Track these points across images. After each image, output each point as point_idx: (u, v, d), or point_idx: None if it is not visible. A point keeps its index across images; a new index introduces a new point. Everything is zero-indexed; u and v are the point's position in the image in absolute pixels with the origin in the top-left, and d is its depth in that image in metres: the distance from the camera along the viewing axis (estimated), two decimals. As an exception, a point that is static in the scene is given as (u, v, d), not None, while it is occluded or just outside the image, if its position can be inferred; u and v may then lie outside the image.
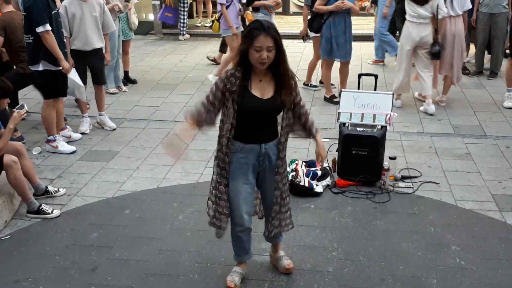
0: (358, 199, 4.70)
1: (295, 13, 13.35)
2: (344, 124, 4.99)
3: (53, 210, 4.50)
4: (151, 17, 11.89)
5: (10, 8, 5.87)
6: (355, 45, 8.11)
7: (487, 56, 8.48)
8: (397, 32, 8.40)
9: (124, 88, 7.90)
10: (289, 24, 12.40)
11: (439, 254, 3.90)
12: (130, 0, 7.70)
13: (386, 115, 4.87)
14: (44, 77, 5.47)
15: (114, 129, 6.40)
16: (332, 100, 7.21)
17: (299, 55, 9.60)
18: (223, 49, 9.14)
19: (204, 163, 5.43)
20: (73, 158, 5.62)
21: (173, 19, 11.07)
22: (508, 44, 8.16)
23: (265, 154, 3.28)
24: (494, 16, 7.84)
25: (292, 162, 5.06)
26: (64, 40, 5.65)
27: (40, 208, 4.46)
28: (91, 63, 6.23)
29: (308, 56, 9.45)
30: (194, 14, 12.76)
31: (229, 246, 3.64)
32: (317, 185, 4.80)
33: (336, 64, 7.29)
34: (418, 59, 6.82)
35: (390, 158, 4.95)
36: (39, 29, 5.18)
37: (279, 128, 3.29)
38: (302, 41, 7.98)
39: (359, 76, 5.68)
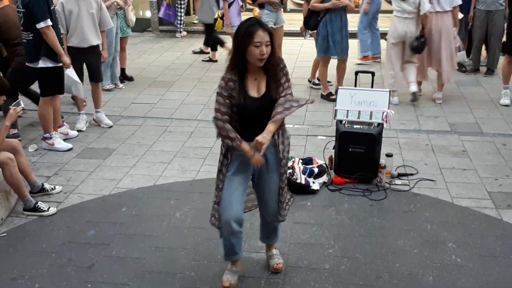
0: (354, 196, 4.70)
1: (292, 10, 13.34)
2: (341, 121, 4.99)
3: (49, 207, 4.49)
4: (148, 14, 11.86)
5: (3, 3, 5.82)
6: (352, 42, 8.11)
7: (483, 53, 8.50)
8: None
9: (120, 85, 7.88)
10: (286, 21, 12.33)
11: (435, 251, 3.90)
12: None
13: (383, 113, 4.87)
14: (42, 74, 5.45)
15: (111, 127, 6.39)
16: (329, 97, 7.21)
17: (296, 52, 9.59)
18: (214, 47, 9.23)
19: (201, 160, 5.43)
20: (70, 155, 5.61)
21: (173, 16, 11.10)
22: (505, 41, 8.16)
23: (265, 151, 3.25)
24: (491, 14, 7.84)
25: (289, 159, 5.05)
26: (61, 36, 5.64)
27: (37, 205, 4.45)
28: (87, 60, 6.22)
29: (305, 53, 9.50)
30: (191, 11, 12.73)
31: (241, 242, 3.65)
32: (313, 182, 4.80)
33: (333, 62, 7.29)
34: (405, 52, 6.93)
35: (387, 155, 4.96)
36: (40, 25, 5.16)
37: None
38: (298, 38, 7.99)
39: (356, 73, 5.68)
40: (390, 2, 7.60)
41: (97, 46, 6.21)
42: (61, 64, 5.46)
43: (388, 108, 4.90)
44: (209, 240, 3.97)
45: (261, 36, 3.03)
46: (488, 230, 4.18)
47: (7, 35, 5.76)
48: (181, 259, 3.84)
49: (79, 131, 6.20)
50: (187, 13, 12.30)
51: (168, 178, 5.09)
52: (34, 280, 3.65)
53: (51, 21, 5.27)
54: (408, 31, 6.73)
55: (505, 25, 7.74)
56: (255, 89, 3.17)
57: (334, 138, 5.08)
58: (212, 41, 9.27)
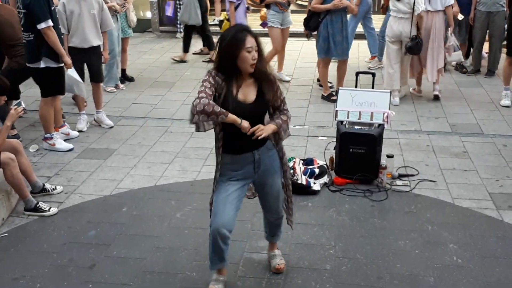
0: (355, 197, 4.70)
1: (293, 12, 13.32)
2: (341, 122, 4.99)
3: (50, 207, 4.50)
4: (148, 14, 11.86)
5: None
6: (352, 43, 8.13)
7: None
8: None
9: (121, 86, 7.88)
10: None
11: (436, 252, 3.90)
12: None
13: (384, 113, 4.87)
14: (44, 74, 5.45)
15: (112, 127, 6.39)
16: (329, 98, 7.21)
17: (297, 53, 9.59)
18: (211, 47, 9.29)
19: (201, 161, 5.43)
20: (70, 155, 5.61)
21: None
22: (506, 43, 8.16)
23: (259, 160, 3.25)
24: (492, 15, 7.85)
25: (289, 160, 5.05)
26: (62, 37, 5.64)
27: (37, 205, 4.46)
28: (88, 60, 6.22)
29: (305, 54, 9.51)
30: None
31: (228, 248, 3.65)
32: (314, 183, 4.81)
33: (333, 63, 7.31)
34: (398, 53, 7.01)
35: (388, 156, 4.96)
36: (41, 26, 5.16)
37: None
38: (298, 39, 7.97)
39: (357, 74, 5.68)
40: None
41: (98, 46, 6.21)
42: (62, 65, 5.46)
43: (389, 109, 4.91)
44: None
45: (251, 41, 3.02)
46: (489, 231, 4.18)
47: (1, 35, 5.70)
48: (182, 259, 3.84)
49: (80, 131, 6.20)
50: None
51: (169, 179, 5.09)
52: (35, 280, 3.65)
53: (52, 21, 5.27)
54: (403, 31, 6.81)
55: (506, 26, 7.76)
56: (242, 95, 3.12)
57: (334, 139, 5.08)
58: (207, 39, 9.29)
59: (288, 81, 8.00)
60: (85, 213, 4.50)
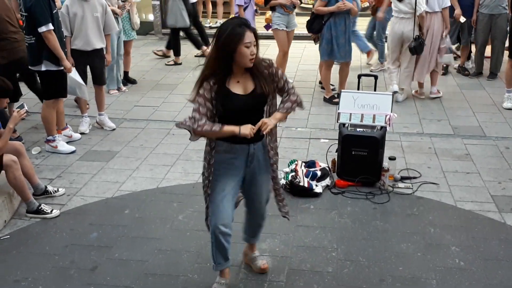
0: (357, 199, 4.70)
1: (296, 14, 13.31)
2: (343, 124, 4.99)
3: (52, 210, 4.50)
4: (150, 17, 11.88)
5: None
6: (355, 45, 8.13)
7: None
8: None
9: (124, 88, 7.89)
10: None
11: (438, 254, 3.90)
12: (127, 0, 7.67)
13: (386, 116, 4.87)
14: (45, 77, 5.48)
15: (114, 129, 6.40)
16: (331, 100, 7.21)
17: (299, 55, 9.59)
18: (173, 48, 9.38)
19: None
20: (73, 158, 5.62)
21: None
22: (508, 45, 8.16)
23: (253, 154, 3.25)
24: (494, 17, 7.84)
25: (291, 162, 5.06)
26: (64, 39, 5.65)
27: (40, 208, 4.46)
28: (91, 63, 6.22)
29: (307, 57, 9.51)
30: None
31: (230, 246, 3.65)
32: (316, 185, 4.80)
33: (335, 65, 7.32)
34: (402, 53, 7.11)
35: (390, 158, 4.95)
36: (42, 29, 5.18)
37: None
38: (301, 41, 7.94)
39: (359, 76, 5.68)
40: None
41: (101, 49, 6.21)
42: (63, 68, 5.46)
43: (391, 111, 4.90)
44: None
45: (250, 36, 2.99)
46: (491, 234, 4.17)
47: None
48: (184, 261, 3.84)
49: (82, 133, 6.21)
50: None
51: (171, 181, 5.09)
52: (37, 282, 3.65)
53: (55, 24, 5.29)
54: (404, 31, 6.92)
55: (508, 28, 7.75)
56: (240, 89, 3.11)
57: (336, 141, 5.08)
58: (175, 44, 9.35)
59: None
60: (87, 215, 4.51)
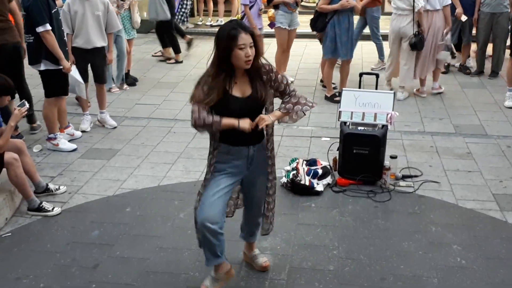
0: (359, 198, 4.69)
1: (299, 13, 13.30)
2: (345, 123, 4.98)
3: (53, 207, 4.50)
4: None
5: None
6: (357, 44, 8.12)
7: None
8: None
9: (125, 86, 7.89)
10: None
11: (440, 253, 3.89)
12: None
13: (387, 114, 4.87)
14: (45, 76, 5.49)
15: (115, 127, 6.40)
16: (333, 99, 7.21)
17: (300, 53, 9.58)
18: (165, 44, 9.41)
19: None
20: (74, 156, 5.62)
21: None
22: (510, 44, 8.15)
23: (253, 156, 3.25)
24: (496, 16, 7.83)
25: (293, 160, 5.06)
26: (65, 38, 5.64)
27: (41, 205, 4.46)
28: (92, 61, 6.22)
29: (308, 55, 9.51)
30: (195, 13, 12.74)
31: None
32: (318, 183, 4.80)
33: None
34: (401, 50, 7.20)
35: (391, 157, 4.95)
36: (39, 29, 5.18)
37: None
38: (302, 40, 7.92)
39: (360, 75, 5.67)
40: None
41: (102, 48, 6.19)
42: (62, 67, 5.46)
43: (393, 110, 4.90)
44: (213, 241, 3.96)
45: (245, 38, 2.97)
46: (493, 232, 4.17)
47: None
48: (185, 259, 3.84)
49: (83, 131, 6.21)
50: (192, 14, 12.31)
51: (172, 179, 5.09)
52: (39, 280, 3.65)
53: (54, 23, 5.28)
54: (401, 27, 7.02)
55: (510, 27, 7.75)
56: (238, 91, 3.11)
57: (338, 140, 5.08)
58: (162, 37, 9.34)
59: (291, 82, 7.99)
60: (88, 213, 4.51)
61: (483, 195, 4.73)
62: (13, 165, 4.30)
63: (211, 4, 12.16)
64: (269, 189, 3.45)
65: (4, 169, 4.34)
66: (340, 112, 5.02)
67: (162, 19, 9.05)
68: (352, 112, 4.96)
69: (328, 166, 5.05)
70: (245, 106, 3.11)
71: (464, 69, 8.45)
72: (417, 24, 6.88)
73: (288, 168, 4.95)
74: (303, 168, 4.87)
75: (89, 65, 6.26)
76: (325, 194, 4.76)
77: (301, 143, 5.85)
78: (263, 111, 3.22)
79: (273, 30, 7.81)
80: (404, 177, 5.02)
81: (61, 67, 5.43)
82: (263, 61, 3.15)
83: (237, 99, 3.10)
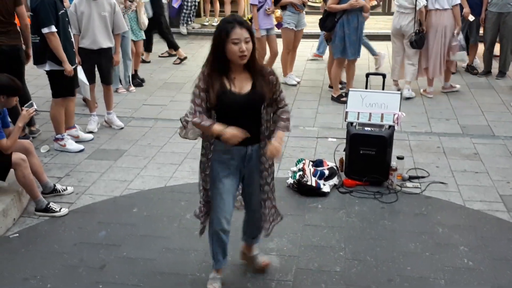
0: (365, 199, 4.68)
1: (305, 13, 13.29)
2: (351, 123, 4.98)
3: (61, 208, 4.52)
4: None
5: None
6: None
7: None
8: None
9: (131, 88, 7.90)
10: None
11: (447, 254, 3.88)
12: (133, 1, 7.65)
13: (394, 115, 4.86)
14: (50, 77, 5.53)
15: (122, 128, 6.42)
16: (339, 99, 7.20)
17: (306, 54, 9.56)
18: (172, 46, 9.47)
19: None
20: (81, 156, 5.64)
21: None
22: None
23: (251, 156, 3.23)
24: (503, 16, 7.80)
25: (299, 161, 5.06)
26: (72, 39, 5.66)
27: (48, 206, 4.48)
28: (98, 62, 6.23)
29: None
30: (202, 13, 12.76)
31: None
32: (324, 184, 4.79)
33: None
34: (405, 48, 7.29)
35: (398, 158, 4.94)
36: (44, 30, 5.21)
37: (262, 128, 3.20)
38: (308, 40, 7.89)
39: (367, 75, 5.67)
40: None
41: (109, 49, 6.20)
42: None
43: (400, 110, 4.88)
44: (219, 242, 3.96)
45: (239, 33, 2.95)
46: (500, 234, 4.15)
47: None
48: (192, 260, 3.85)
49: (90, 132, 6.22)
50: (198, 15, 12.33)
51: (179, 180, 5.10)
52: (46, 280, 3.67)
53: (60, 24, 5.30)
54: (402, 25, 7.13)
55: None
56: (236, 86, 3.10)
57: (344, 140, 5.07)
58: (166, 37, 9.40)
59: (295, 84, 7.98)
60: (95, 214, 4.52)
61: (490, 196, 4.71)
62: (21, 165, 4.33)
63: (218, 4, 12.16)
64: (263, 186, 3.35)
65: (12, 170, 4.37)
66: (346, 112, 5.02)
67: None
68: (358, 113, 4.95)
69: (335, 167, 5.04)
70: (244, 102, 3.09)
71: (471, 69, 8.42)
72: (418, 23, 6.94)
73: (295, 169, 4.95)
74: (310, 169, 4.87)
75: (95, 66, 6.27)
76: (331, 195, 4.76)
77: (307, 144, 5.85)
78: (262, 110, 3.16)
79: (279, 30, 7.81)
80: (411, 178, 5.00)
81: None
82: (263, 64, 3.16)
83: (235, 94, 3.08)
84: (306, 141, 5.93)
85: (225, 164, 3.24)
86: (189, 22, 11.60)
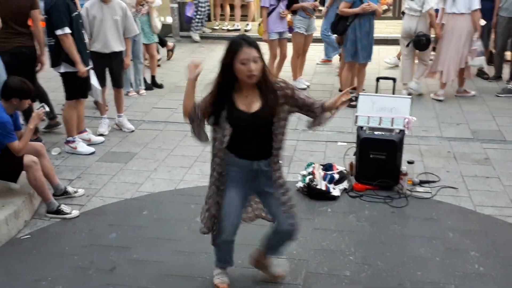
0: (375, 203, 4.67)
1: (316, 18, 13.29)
2: (361, 127, 4.97)
3: (72, 210, 4.55)
4: (169, 19, 11.94)
5: None
6: (374, 48, 8.08)
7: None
8: None
9: (142, 91, 7.94)
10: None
11: (457, 260, 3.86)
12: (144, 4, 7.68)
13: (405, 119, 4.84)
14: (65, 78, 5.58)
15: (133, 131, 6.45)
16: (349, 103, 7.17)
17: (315, 58, 9.55)
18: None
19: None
20: (92, 159, 5.67)
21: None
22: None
23: (258, 171, 3.19)
24: (514, 20, 7.76)
25: (309, 165, 5.05)
26: (86, 40, 5.71)
27: (59, 208, 4.51)
28: (110, 66, 6.26)
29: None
30: (212, 17, 12.80)
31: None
32: (334, 188, 4.79)
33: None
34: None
35: (408, 162, 4.92)
36: (58, 32, 5.27)
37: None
38: (317, 44, 7.89)
39: (377, 79, 5.66)
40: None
41: (120, 52, 6.24)
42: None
43: (410, 115, 4.87)
44: (229, 245, 3.97)
45: (247, 52, 2.91)
46: (511, 239, 4.12)
47: None
48: (201, 263, 3.86)
49: (101, 135, 6.26)
50: (208, 19, 12.36)
51: (189, 183, 5.12)
52: (56, 282, 3.69)
53: (74, 26, 5.36)
54: (412, 28, 7.19)
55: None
56: (245, 104, 3.07)
57: (354, 145, 5.06)
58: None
59: (305, 88, 7.98)
60: (106, 216, 4.55)
61: (502, 201, 4.68)
62: (33, 168, 4.36)
63: (228, 8, 12.20)
64: (281, 197, 3.30)
65: (23, 172, 4.40)
66: (357, 116, 5.01)
67: None
68: (369, 117, 4.94)
69: (345, 171, 5.03)
70: (251, 121, 3.07)
71: (482, 74, 8.38)
72: (429, 25, 7.02)
73: (304, 172, 4.95)
74: (319, 173, 4.86)
75: (106, 69, 6.31)
76: (341, 199, 4.75)
77: (317, 148, 5.84)
78: (273, 126, 3.10)
79: (290, 35, 7.82)
80: (421, 183, 4.98)
81: None
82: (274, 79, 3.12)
83: (242, 113, 3.06)
84: (316, 145, 5.93)
85: (234, 177, 3.24)
86: (202, 27, 11.63)
